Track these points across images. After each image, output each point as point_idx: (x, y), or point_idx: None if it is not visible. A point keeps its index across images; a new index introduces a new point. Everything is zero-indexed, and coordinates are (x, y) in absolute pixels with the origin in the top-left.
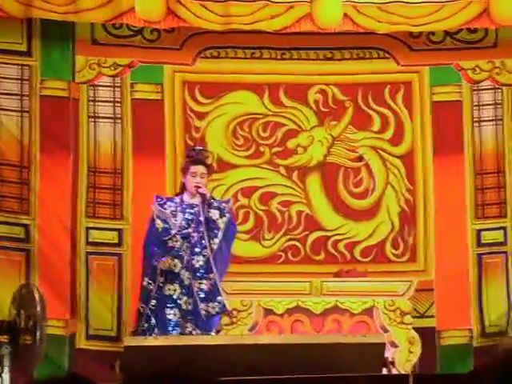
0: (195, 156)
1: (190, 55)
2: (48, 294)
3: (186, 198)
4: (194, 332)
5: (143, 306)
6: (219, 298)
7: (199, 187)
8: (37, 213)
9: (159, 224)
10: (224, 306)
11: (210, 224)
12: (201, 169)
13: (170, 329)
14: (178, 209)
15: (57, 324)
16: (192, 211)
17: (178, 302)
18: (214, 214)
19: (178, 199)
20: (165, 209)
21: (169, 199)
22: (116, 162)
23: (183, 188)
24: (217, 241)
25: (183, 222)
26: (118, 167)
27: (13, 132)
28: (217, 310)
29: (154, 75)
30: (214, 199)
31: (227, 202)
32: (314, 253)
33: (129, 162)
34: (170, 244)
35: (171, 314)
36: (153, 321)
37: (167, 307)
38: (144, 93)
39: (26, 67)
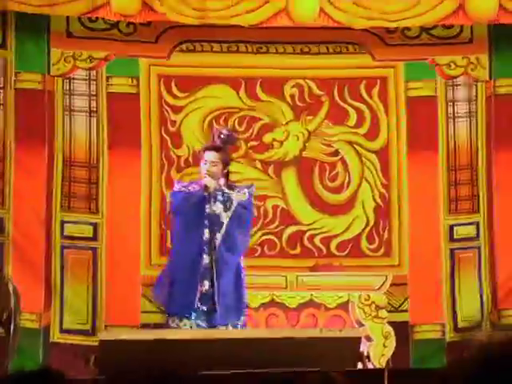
0: (215, 142)
1: (165, 49)
2: (22, 287)
3: None
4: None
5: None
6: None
7: (205, 176)
8: (11, 205)
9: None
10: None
11: (213, 218)
12: (212, 156)
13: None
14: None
15: (31, 317)
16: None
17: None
18: (218, 207)
19: (198, 185)
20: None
21: (192, 183)
22: (91, 156)
23: None
24: (219, 236)
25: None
26: (93, 160)
27: None
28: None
29: (130, 69)
30: (232, 186)
31: (248, 187)
32: (289, 247)
33: (104, 156)
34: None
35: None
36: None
37: None
38: (119, 86)
39: (1, 60)
